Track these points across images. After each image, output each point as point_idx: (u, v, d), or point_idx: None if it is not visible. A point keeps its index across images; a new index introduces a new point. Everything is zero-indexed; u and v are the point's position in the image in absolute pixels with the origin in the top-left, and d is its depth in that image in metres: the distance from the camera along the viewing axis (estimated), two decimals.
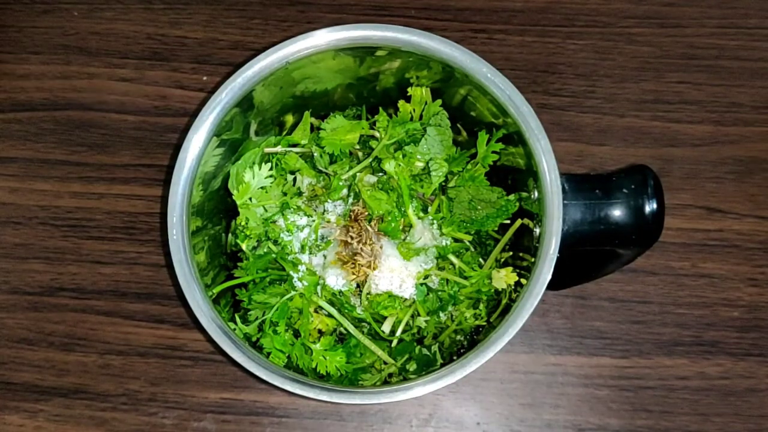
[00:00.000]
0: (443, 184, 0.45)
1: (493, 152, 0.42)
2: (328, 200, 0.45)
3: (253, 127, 0.44)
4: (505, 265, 0.43)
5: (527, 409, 0.47)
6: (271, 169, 0.44)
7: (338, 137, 0.44)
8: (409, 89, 0.44)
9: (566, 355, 0.48)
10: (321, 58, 0.42)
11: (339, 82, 0.44)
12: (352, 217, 0.44)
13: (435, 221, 0.44)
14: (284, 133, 0.46)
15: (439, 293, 0.44)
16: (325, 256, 0.44)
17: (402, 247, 0.43)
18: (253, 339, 0.44)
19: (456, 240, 0.44)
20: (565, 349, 0.48)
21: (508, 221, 0.43)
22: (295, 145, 0.46)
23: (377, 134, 0.45)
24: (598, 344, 0.48)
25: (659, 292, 0.49)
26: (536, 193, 0.39)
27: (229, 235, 0.47)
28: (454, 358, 0.43)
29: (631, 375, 0.48)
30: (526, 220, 0.42)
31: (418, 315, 0.44)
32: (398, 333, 0.44)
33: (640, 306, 0.49)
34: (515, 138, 0.40)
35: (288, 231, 0.45)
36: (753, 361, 0.48)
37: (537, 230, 0.39)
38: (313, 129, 0.46)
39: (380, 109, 0.46)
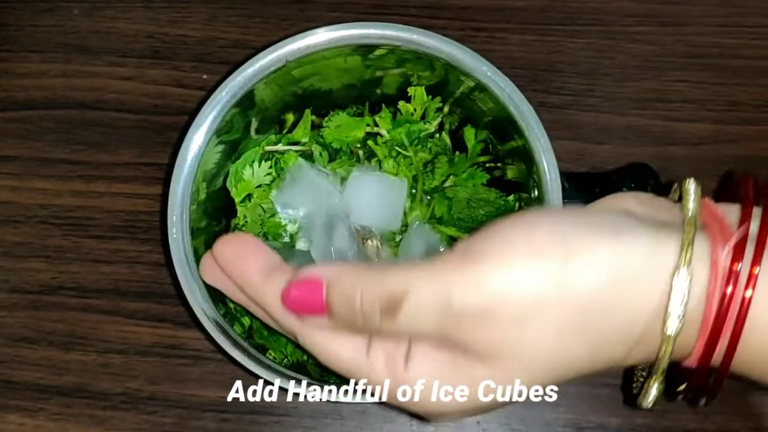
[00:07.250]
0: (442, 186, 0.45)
1: (482, 141, 0.42)
2: None
3: (254, 126, 0.44)
4: None
5: (527, 408, 0.47)
6: (270, 167, 0.44)
7: (343, 134, 0.44)
8: (409, 89, 0.44)
9: None
10: (321, 57, 0.42)
11: (341, 81, 0.44)
12: None
13: (432, 222, 0.44)
14: (284, 131, 0.46)
15: None
16: None
17: (396, 249, 0.43)
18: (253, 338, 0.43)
19: (453, 239, 0.44)
20: None
21: None
22: (295, 144, 0.46)
23: (383, 132, 0.45)
24: None
25: None
26: (536, 192, 0.39)
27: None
28: None
29: (631, 373, 0.48)
30: None
31: None
32: None
33: None
34: (515, 137, 0.40)
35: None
36: None
37: None
38: (314, 127, 0.46)
39: (383, 106, 0.45)
